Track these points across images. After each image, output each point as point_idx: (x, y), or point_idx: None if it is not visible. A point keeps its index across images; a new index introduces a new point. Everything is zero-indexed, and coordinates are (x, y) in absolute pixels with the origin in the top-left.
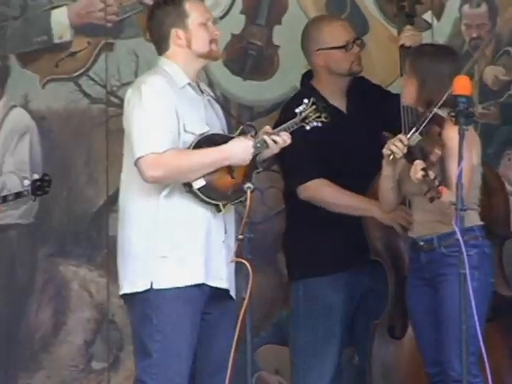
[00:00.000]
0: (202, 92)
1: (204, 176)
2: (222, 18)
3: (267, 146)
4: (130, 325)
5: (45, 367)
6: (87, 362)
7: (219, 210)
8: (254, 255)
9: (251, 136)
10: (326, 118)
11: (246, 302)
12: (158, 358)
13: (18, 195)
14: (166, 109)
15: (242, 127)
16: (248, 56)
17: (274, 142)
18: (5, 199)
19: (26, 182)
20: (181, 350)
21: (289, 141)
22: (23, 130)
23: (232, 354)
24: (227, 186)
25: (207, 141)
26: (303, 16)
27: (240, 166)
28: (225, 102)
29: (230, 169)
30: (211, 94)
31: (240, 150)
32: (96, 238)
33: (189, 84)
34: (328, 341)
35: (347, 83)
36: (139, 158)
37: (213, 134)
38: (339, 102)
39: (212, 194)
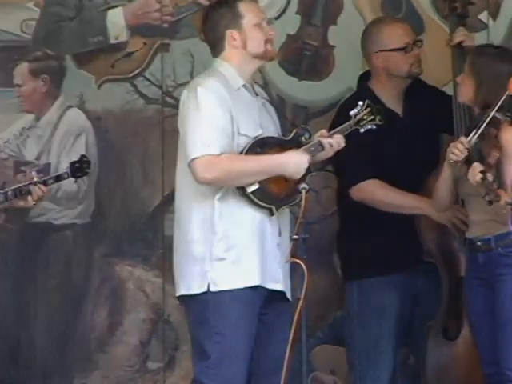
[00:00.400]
0: (257, 94)
1: None
2: (277, 18)
3: (322, 149)
4: (185, 325)
5: (100, 367)
6: (143, 362)
7: (272, 214)
8: (309, 255)
9: (305, 139)
10: (380, 121)
11: (301, 302)
12: (216, 359)
13: (58, 178)
14: (220, 111)
15: (296, 130)
16: (303, 56)
17: (329, 145)
18: (45, 183)
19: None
20: (238, 350)
21: (343, 144)
22: (79, 131)
23: (287, 353)
24: (280, 189)
25: (261, 144)
26: (359, 16)
27: None
28: (280, 102)
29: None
30: (265, 96)
31: (295, 163)
32: (151, 238)
33: (244, 86)
34: (382, 341)
35: (406, 85)
36: (193, 159)
37: (267, 137)
38: (395, 105)
39: (265, 198)
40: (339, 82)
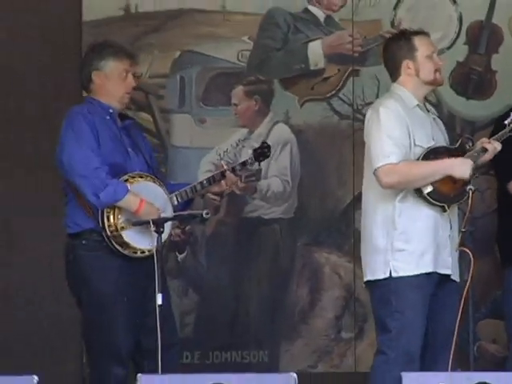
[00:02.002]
0: (428, 111)
1: (431, 183)
2: (448, 48)
3: (483, 154)
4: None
5: (303, 336)
6: (337, 332)
7: (444, 210)
8: (475, 245)
9: (469, 146)
10: None
11: (468, 283)
12: (396, 333)
13: (243, 164)
14: (399, 127)
15: (461, 139)
16: (470, 80)
17: (491, 148)
18: (234, 169)
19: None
20: (415, 326)
21: (499, 148)
22: (285, 142)
23: (457, 326)
24: (450, 190)
25: (433, 152)
26: None
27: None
28: (450, 117)
29: (452, 176)
30: (435, 112)
31: (460, 166)
32: (344, 230)
33: (417, 105)
34: None
35: None
36: (377, 169)
37: (437, 147)
38: None
39: (438, 197)
40: (500, 101)
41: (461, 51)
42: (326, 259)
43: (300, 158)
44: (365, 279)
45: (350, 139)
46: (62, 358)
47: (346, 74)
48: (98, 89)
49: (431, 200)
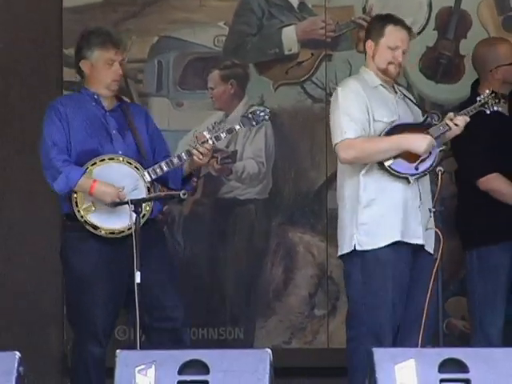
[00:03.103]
0: (396, 92)
1: (393, 156)
2: (418, 33)
3: (450, 129)
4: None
5: (277, 313)
6: (310, 309)
7: (409, 182)
8: (445, 224)
9: (434, 121)
10: (504, 103)
11: (437, 262)
12: (365, 308)
13: (229, 131)
14: (356, 104)
15: (426, 114)
16: (439, 64)
17: (455, 124)
18: (218, 138)
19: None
20: (384, 299)
21: (462, 124)
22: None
23: (426, 303)
24: (413, 161)
25: (395, 127)
26: (484, 31)
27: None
28: (420, 101)
29: (409, 150)
30: (404, 92)
31: (416, 141)
32: (317, 211)
33: (381, 85)
34: (496, 294)
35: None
36: (336, 145)
37: (401, 123)
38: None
39: (401, 169)
40: (468, 85)
41: (430, 36)
42: (300, 238)
43: (274, 141)
44: (338, 254)
45: (323, 122)
46: (45, 334)
47: (319, 58)
48: (87, 77)
49: (393, 172)
